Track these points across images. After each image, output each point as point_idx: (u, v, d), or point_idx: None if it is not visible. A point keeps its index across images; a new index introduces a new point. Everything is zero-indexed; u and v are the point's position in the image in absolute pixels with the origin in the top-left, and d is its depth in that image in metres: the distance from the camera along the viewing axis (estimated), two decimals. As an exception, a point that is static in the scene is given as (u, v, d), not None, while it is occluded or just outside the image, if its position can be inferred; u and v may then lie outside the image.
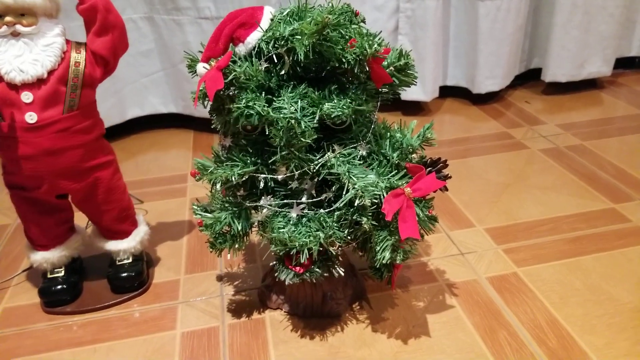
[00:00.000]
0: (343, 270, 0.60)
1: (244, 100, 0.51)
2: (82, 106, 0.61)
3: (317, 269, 0.58)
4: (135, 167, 1.09)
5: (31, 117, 0.58)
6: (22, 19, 0.56)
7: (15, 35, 0.56)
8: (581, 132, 1.15)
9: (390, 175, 0.55)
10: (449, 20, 1.26)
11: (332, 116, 0.52)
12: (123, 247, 0.71)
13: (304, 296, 0.66)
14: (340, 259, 0.61)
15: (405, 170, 0.56)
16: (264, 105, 0.51)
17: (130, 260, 0.72)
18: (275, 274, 0.60)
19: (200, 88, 0.54)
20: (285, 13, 0.53)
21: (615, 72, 1.39)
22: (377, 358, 0.60)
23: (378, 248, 0.55)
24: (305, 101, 0.51)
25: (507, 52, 1.26)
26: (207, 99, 0.56)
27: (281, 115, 0.50)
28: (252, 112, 0.51)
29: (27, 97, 0.57)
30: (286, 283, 0.59)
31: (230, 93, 0.53)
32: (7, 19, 0.55)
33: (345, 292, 0.67)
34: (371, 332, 0.64)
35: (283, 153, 0.53)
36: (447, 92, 1.36)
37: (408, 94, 1.25)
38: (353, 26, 0.52)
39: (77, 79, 0.59)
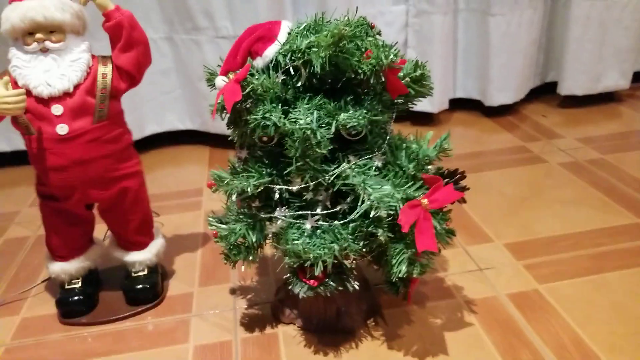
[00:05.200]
0: (357, 284, 0.59)
1: (260, 112, 0.51)
2: (111, 116, 0.62)
3: (332, 282, 0.57)
4: (151, 181, 1.09)
5: (62, 129, 0.59)
6: (51, 36, 0.58)
7: (44, 51, 0.59)
8: (601, 146, 1.13)
9: (406, 186, 0.54)
10: (459, 34, 1.27)
11: (348, 127, 0.52)
12: (139, 258, 0.71)
13: (318, 311, 0.65)
14: (355, 272, 0.61)
15: (421, 181, 0.56)
16: (281, 117, 0.51)
17: (145, 272, 0.72)
18: (289, 287, 0.59)
19: (219, 101, 0.55)
20: (302, 27, 0.54)
21: (634, 86, 1.37)
22: (393, 375, 0.58)
23: (394, 261, 0.54)
24: (322, 112, 0.52)
25: (520, 66, 1.25)
26: (225, 111, 0.57)
27: (297, 126, 0.50)
28: (268, 123, 0.51)
29: (57, 109, 0.59)
30: (300, 297, 0.58)
31: (248, 105, 0.54)
32: (38, 35, 0.58)
33: (360, 307, 0.66)
34: (386, 350, 0.62)
35: (298, 164, 0.53)
36: (459, 104, 1.36)
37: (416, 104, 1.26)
38: (369, 39, 0.52)
39: (105, 90, 0.61)
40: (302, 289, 0.57)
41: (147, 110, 1.19)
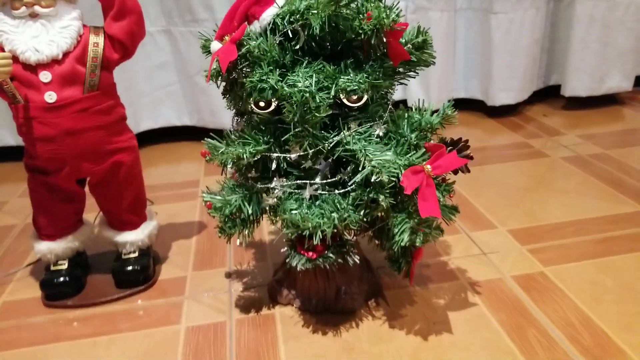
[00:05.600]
0: (358, 258, 0.57)
1: (257, 75, 0.50)
2: (102, 87, 0.60)
3: (331, 255, 0.55)
4: (146, 175, 1.08)
5: (50, 97, 0.57)
6: (40, 0, 0.56)
7: (33, 16, 0.57)
8: (603, 142, 1.12)
9: (408, 155, 0.53)
10: (459, 32, 1.27)
11: (348, 90, 0.50)
12: (131, 238, 0.68)
13: (317, 291, 0.62)
14: (355, 249, 0.58)
15: (424, 150, 0.54)
16: (278, 80, 0.50)
17: (136, 254, 0.69)
18: (287, 260, 0.57)
19: (214, 66, 0.53)
20: (301, -10, 0.53)
21: (636, 89, 1.37)
22: (395, 354, 0.55)
23: (396, 230, 0.52)
24: (321, 76, 0.50)
25: (523, 65, 1.25)
26: (220, 77, 0.55)
27: (295, 90, 0.49)
28: (265, 86, 0.50)
29: (45, 76, 0.57)
30: (298, 269, 0.56)
31: (244, 69, 0.52)
32: None
33: (361, 288, 0.63)
34: (388, 329, 0.59)
35: (297, 130, 0.51)
36: (461, 105, 1.35)
37: (413, 99, 1.25)
38: (371, 4, 0.51)
39: (97, 59, 0.59)
40: (301, 261, 0.55)
41: (142, 106, 1.17)
